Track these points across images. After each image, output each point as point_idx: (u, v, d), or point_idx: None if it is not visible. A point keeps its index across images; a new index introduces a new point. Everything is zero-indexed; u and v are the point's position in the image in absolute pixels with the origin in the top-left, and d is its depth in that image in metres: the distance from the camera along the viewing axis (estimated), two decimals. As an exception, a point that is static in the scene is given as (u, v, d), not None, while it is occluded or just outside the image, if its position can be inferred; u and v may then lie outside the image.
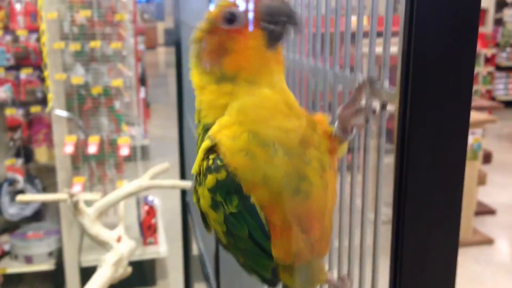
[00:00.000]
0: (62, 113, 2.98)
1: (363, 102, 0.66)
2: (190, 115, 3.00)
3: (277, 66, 0.68)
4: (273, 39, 0.66)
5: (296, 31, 0.67)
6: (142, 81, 6.66)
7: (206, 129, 0.71)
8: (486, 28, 8.53)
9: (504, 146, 6.80)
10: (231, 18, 0.66)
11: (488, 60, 8.39)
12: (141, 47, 7.29)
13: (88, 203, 1.80)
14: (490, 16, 8.59)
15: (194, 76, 0.73)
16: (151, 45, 12.89)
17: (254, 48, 0.66)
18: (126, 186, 1.77)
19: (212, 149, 0.68)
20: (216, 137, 0.68)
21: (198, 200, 0.73)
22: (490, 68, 8.46)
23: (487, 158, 4.89)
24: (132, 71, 3.88)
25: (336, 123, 0.70)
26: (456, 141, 0.50)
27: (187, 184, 1.86)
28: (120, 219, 1.80)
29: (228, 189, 0.67)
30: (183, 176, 3.53)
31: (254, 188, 0.66)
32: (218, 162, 0.67)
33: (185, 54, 3.19)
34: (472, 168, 4.18)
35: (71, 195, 1.55)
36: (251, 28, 0.66)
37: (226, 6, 0.67)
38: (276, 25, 0.65)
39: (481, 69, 8.35)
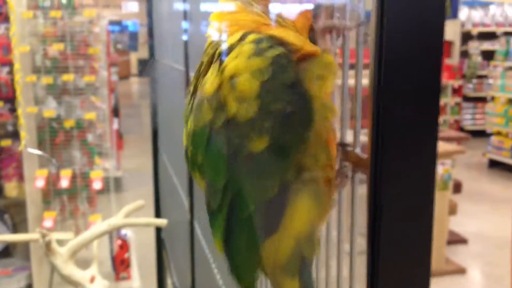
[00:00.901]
0: (35, 151, 2.94)
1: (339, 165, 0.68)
2: (164, 147, 3.00)
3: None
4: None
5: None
6: (115, 112, 6.63)
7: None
8: (453, 60, 8.80)
9: (473, 175, 6.95)
10: (316, 9, 0.72)
11: (456, 91, 8.64)
12: (114, 77, 7.28)
13: (60, 241, 1.77)
14: (456, 49, 8.87)
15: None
16: (124, 75, 12.87)
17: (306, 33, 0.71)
18: (99, 225, 1.74)
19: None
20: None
21: (221, 70, 0.66)
22: (458, 99, 8.70)
23: (457, 187, 4.98)
24: (105, 103, 3.87)
25: None
26: (424, 191, 0.53)
27: (162, 222, 1.84)
28: (94, 258, 1.77)
29: (275, 41, 0.65)
30: (157, 208, 3.50)
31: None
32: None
33: (159, 85, 3.20)
34: (443, 198, 4.25)
35: (43, 235, 1.52)
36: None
37: None
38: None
39: (449, 100, 8.58)
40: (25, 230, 3.23)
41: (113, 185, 4.19)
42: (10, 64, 3.30)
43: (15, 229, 3.41)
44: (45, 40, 3.25)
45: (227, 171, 0.66)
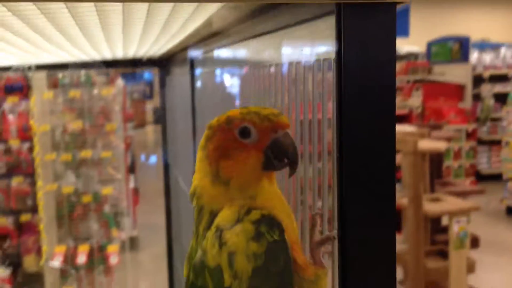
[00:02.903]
0: (55, 264, 3.04)
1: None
2: (176, 201, 3.01)
3: (268, 180, 0.77)
4: (270, 167, 0.75)
5: (291, 173, 0.76)
6: (132, 168, 6.70)
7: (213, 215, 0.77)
8: (465, 104, 8.81)
9: (491, 222, 6.86)
10: (245, 132, 0.74)
11: (470, 135, 8.61)
12: (130, 132, 7.39)
13: None
14: (469, 92, 8.90)
15: (198, 160, 0.79)
16: (140, 124, 13.07)
17: (251, 166, 0.74)
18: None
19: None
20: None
21: (222, 244, 0.73)
22: (472, 143, 8.66)
23: (475, 242, 4.92)
24: (121, 172, 3.94)
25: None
26: None
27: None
28: None
29: (272, 222, 0.73)
30: (170, 264, 3.49)
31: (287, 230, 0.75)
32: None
33: (170, 132, 3.28)
34: (460, 258, 4.20)
35: None
36: (256, 150, 0.74)
37: (245, 119, 0.74)
38: (278, 160, 0.75)
39: (463, 144, 8.54)
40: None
41: (129, 246, 4.23)
42: (30, 139, 3.42)
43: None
44: (64, 116, 3.36)
45: None
